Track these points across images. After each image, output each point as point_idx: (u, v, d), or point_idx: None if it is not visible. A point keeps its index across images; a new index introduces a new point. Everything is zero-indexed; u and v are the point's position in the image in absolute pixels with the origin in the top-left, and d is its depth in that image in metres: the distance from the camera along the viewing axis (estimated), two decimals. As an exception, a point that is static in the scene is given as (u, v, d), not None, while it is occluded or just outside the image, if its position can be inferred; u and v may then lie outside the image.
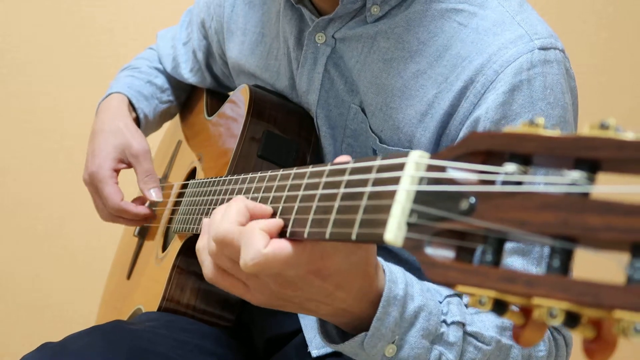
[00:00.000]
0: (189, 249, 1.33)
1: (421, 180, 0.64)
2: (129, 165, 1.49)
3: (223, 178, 1.19)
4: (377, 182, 0.71)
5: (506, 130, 0.58)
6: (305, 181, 0.87)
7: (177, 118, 1.78)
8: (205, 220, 0.94)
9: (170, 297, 1.30)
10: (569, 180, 0.52)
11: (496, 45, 1.11)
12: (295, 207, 0.87)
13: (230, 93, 1.58)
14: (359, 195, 0.72)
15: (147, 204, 1.55)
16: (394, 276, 0.93)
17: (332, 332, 0.97)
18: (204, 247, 0.91)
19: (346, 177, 0.77)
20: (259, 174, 1.05)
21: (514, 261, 1.08)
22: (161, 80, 1.68)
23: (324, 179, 0.82)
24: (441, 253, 0.60)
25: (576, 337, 0.59)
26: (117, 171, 1.47)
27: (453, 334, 0.99)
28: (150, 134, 1.72)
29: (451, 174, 0.61)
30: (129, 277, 1.66)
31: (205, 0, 1.56)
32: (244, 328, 1.37)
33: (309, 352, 1.16)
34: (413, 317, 0.94)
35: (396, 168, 0.67)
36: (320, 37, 1.24)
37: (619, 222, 0.47)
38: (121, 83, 1.63)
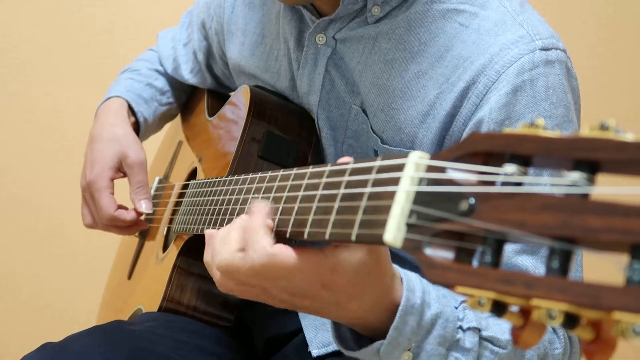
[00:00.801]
0: (189, 249, 1.33)
1: (421, 181, 0.64)
2: (125, 175, 1.49)
3: (224, 179, 1.19)
4: (376, 183, 0.71)
5: (506, 131, 0.58)
6: (305, 182, 0.87)
7: (178, 118, 1.78)
8: (207, 232, 0.95)
9: (171, 297, 1.30)
10: (568, 181, 0.52)
11: (497, 46, 1.11)
12: (296, 208, 0.87)
13: (231, 94, 1.58)
14: (359, 196, 0.72)
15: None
16: (412, 285, 0.91)
17: (347, 336, 0.96)
18: (211, 262, 0.91)
19: (346, 178, 0.77)
20: (259, 175, 1.05)
21: (524, 260, 1.07)
22: (161, 83, 1.67)
23: (324, 180, 0.82)
24: (440, 254, 0.60)
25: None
26: (113, 180, 1.47)
27: (469, 340, 0.97)
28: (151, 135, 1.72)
29: (451, 174, 0.62)
30: (129, 277, 1.66)
31: (205, 1, 1.55)
32: (244, 328, 1.37)
33: (309, 352, 1.16)
34: (430, 325, 0.93)
35: (396, 169, 0.67)
36: (321, 38, 1.24)
37: (619, 224, 0.47)
38: (121, 86, 1.62)
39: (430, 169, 0.64)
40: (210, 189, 1.24)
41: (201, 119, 1.61)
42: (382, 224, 0.65)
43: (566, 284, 0.48)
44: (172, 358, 1.17)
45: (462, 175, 0.61)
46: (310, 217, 0.82)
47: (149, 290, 1.45)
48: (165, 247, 1.49)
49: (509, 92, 1.09)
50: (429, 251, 0.60)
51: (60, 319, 2.60)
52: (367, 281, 0.85)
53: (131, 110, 1.59)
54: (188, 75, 1.64)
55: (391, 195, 0.65)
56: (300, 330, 1.27)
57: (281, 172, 0.97)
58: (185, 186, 1.49)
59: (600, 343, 0.49)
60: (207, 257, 0.93)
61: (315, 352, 1.14)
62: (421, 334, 0.92)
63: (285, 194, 0.92)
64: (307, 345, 1.15)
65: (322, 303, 0.85)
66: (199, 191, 1.31)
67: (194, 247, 1.32)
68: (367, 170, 0.73)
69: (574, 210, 0.50)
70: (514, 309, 0.54)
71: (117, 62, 1.94)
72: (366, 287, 0.85)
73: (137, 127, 1.60)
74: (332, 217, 0.77)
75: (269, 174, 1.01)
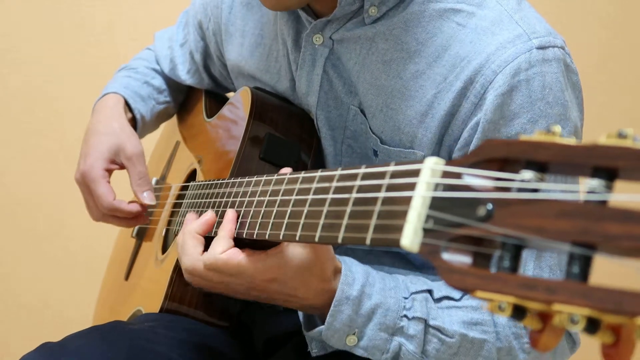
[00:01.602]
0: (190, 250, 1.33)
1: (437, 187, 0.65)
2: (122, 167, 1.47)
3: (227, 181, 1.19)
4: (391, 188, 0.71)
5: (522, 138, 0.58)
6: (314, 185, 0.88)
7: (174, 118, 1.77)
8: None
9: (172, 298, 1.30)
10: (586, 188, 0.53)
11: (494, 45, 1.12)
12: (305, 211, 0.87)
13: (231, 95, 1.58)
14: (373, 201, 0.73)
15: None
16: (350, 279, 1.07)
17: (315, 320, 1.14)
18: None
19: (358, 182, 0.78)
20: (264, 177, 1.05)
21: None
22: (158, 81, 1.67)
23: (334, 184, 0.83)
24: (458, 259, 0.61)
25: (583, 339, 0.60)
26: (109, 171, 1.45)
27: (413, 328, 1.09)
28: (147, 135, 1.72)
29: (467, 180, 0.62)
30: (126, 278, 1.65)
31: (202, 1, 1.54)
32: (244, 328, 1.37)
33: (309, 352, 1.16)
34: (370, 313, 1.07)
35: (411, 174, 0.68)
36: (318, 39, 1.24)
37: (639, 231, 0.48)
38: (118, 83, 1.61)
39: (446, 174, 0.65)
40: (213, 190, 1.24)
41: (199, 119, 1.60)
42: (399, 229, 0.65)
43: (588, 290, 0.49)
44: (171, 357, 1.17)
45: (479, 181, 0.61)
46: (321, 221, 0.82)
47: (149, 291, 1.44)
48: (164, 249, 1.49)
49: (504, 92, 1.09)
50: (446, 256, 0.61)
51: (60, 319, 2.60)
52: (309, 274, 1.04)
53: (128, 106, 1.59)
54: (185, 75, 1.63)
55: (407, 200, 0.66)
56: (300, 330, 1.27)
57: (288, 175, 0.97)
58: (184, 187, 1.49)
59: (620, 346, 0.50)
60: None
61: (314, 352, 1.15)
62: (360, 321, 1.07)
63: (293, 197, 0.92)
64: (306, 345, 1.15)
65: (272, 294, 1.06)
66: (201, 193, 1.31)
67: None
68: (380, 175, 0.74)
69: (593, 217, 0.51)
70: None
71: (117, 62, 1.93)
72: (309, 279, 1.04)
73: (134, 124, 1.59)
74: (345, 221, 0.77)
75: (275, 176, 1.01)
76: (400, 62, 1.18)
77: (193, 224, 1.12)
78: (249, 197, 1.06)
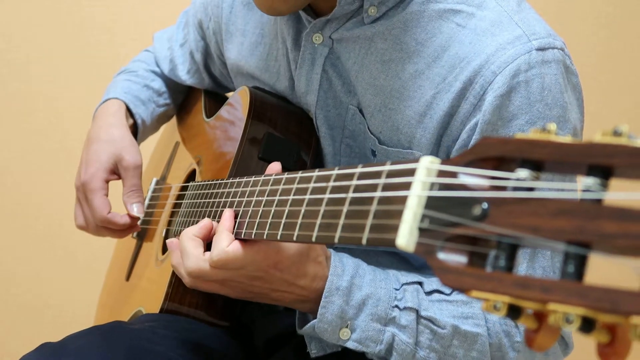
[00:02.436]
0: (191, 250, 1.33)
1: (432, 186, 0.64)
2: (119, 177, 1.48)
3: (225, 181, 1.19)
4: (386, 187, 0.71)
5: (518, 136, 0.58)
6: (311, 185, 0.88)
7: (174, 119, 1.77)
8: (168, 241, 1.18)
9: (172, 298, 1.29)
10: (582, 186, 0.52)
11: (494, 46, 1.11)
12: (302, 211, 0.87)
13: (229, 94, 1.58)
14: (369, 200, 0.73)
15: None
16: (340, 269, 1.08)
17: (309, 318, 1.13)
18: (178, 264, 1.12)
19: (354, 182, 0.78)
20: (262, 177, 1.05)
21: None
22: (158, 84, 1.67)
23: (331, 184, 0.83)
24: (454, 258, 0.60)
25: (579, 339, 0.60)
26: (108, 182, 1.47)
27: (405, 318, 1.10)
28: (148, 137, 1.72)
29: (463, 179, 0.62)
30: (127, 278, 1.65)
31: (202, 1, 1.55)
32: (244, 328, 1.37)
33: (308, 353, 1.16)
34: (361, 303, 1.08)
35: (407, 173, 0.68)
36: (318, 38, 1.24)
37: (635, 229, 0.48)
38: (118, 88, 1.61)
39: (442, 173, 0.64)
40: (212, 191, 1.24)
41: (199, 120, 1.60)
42: (394, 229, 0.65)
43: (583, 289, 0.49)
44: (171, 357, 1.17)
45: (474, 180, 0.61)
46: (318, 221, 0.82)
47: (149, 291, 1.44)
48: (164, 249, 1.49)
49: (503, 94, 1.09)
50: (442, 255, 0.60)
51: (60, 319, 2.60)
52: (307, 260, 1.05)
53: (129, 111, 1.59)
54: (185, 76, 1.63)
55: (403, 199, 0.66)
56: (299, 330, 1.27)
57: (286, 175, 0.97)
58: (184, 187, 1.49)
59: (615, 346, 0.50)
60: (175, 260, 1.13)
61: (313, 353, 1.15)
62: (351, 312, 1.08)
63: (291, 197, 0.92)
64: (306, 346, 1.15)
65: (274, 282, 1.05)
66: (200, 193, 1.31)
67: None
68: (376, 175, 0.74)
69: (588, 215, 0.51)
70: (528, 312, 0.54)
71: (117, 62, 1.93)
72: (307, 264, 1.06)
73: (135, 129, 1.60)
74: (341, 221, 0.77)
75: (273, 176, 1.01)
76: (399, 62, 1.18)
77: (190, 228, 1.11)
78: (247, 197, 1.06)
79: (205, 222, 1.12)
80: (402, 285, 1.12)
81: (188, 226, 1.28)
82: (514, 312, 0.53)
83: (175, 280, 1.28)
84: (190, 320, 1.28)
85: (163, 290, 1.30)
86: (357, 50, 1.22)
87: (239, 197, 1.09)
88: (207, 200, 1.24)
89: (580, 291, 0.49)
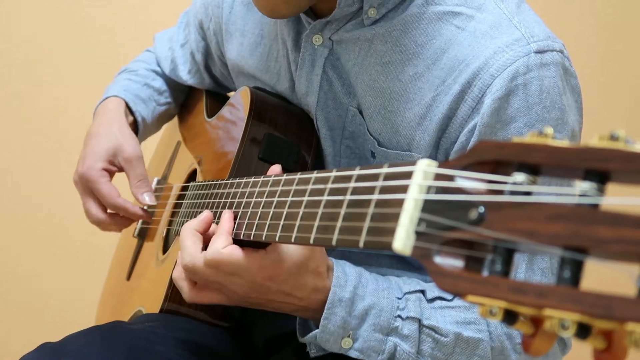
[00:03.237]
0: (191, 250, 1.33)
1: (429, 189, 0.64)
2: (120, 169, 1.48)
3: (225, 181, 1.19)
4: (384, 190, 0.71)
5: (515, 140, 0.58)
6: (310, 187, 0.87)
7: (175, 119, 1.77)
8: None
9: (173, 298, 1.29)
10: (578, 191, 0.52)
11: (493, 49, 1.11)
12: (300, 213, 0.87)
13: (231, 94, 1.58)
14: (366, 203, 0.73)
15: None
16: (343, 280, 1.08)
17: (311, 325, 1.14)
18: (179, 277, 1.11)
19: (352, 184, 0.77)
20: (262, 178, 1.05)
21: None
22: (159, 83, 1.67)
23: (329, 185, 0.83)
24: (450, 262, 0.60)
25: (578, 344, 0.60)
26: (108, 171, 1.46)
27: (407, 328, 1.10)
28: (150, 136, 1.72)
29: (460, 183, 0.62)
30: (128, 278, 1.65)
31: (203, 1, 1.54)
32: (244, 328, 1.36)
33: (308, 353, 1.16)
34: (363, 314, 1.08)
35: (404, 176, 0.68)
36: (317, 39, 1.24)
37: (630, 235, 0.48)
38: (118, 86, 1.62)
39: (439, 177, 0.64)
40: (212, 191, 1.24)
41: (200, 119, 1.60)
42: (391, 232, 0.65)
43: (578, 295, 0.49)
44: (171, 357, 1.17)
45: (471, 183, 0.61)
46: (316, 223, 0.82)
47: (150, 291, 1.44)
48: (165, 249, 1.49)
49: (502, 96, 1.09)
50: (438, 259, 0.60)
51: (60, 319, 2.60)
52: (305, 271, 1.04)
53: (129, 109, 1.59)
54: (186, 76, 1.63)
55: (400, 203, 0.66)
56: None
57: (284, 177, 0.97)
58: (184, 187, 1.49)
59: (611, 352, 0.50)
60: (176, 273, 1.13)
61: (313, 353, 1.15)
62: (354, 322, 1.08)
63: (289, 199, 0.92)
64: (306, 346, 1.15)
65: (270, 294, 1.05)
66: (201, 193, 1.31)
67: None
68: (374, 177, 0.74)
69: (584, 220, 0.51)
70: (524, 317, 0.54)
71: (117, 62, 1.93)
72: (305, 276, 1.04)
73: (135, 127, 1.60)
74: (339, 224, 0.77)
75: (272, 177, 1.01)
76: (399, 65, 1.18)
77: (191, 222, 1.11)
78: (246, 197, 1.06)
79: (206, 215, 1.11)
80: (405, 294, 1.12)
81: None
82: (509, 317, 0.53)
83: (175, 281, 1.28)
84: (190, 321, 1.28)
85: (163, 291, 1.30)
86: (356, 51, 1.22)
87: (238, 198, 1.09)
88: (208, 200, 1.24)
89: (575, 297, 0.49)
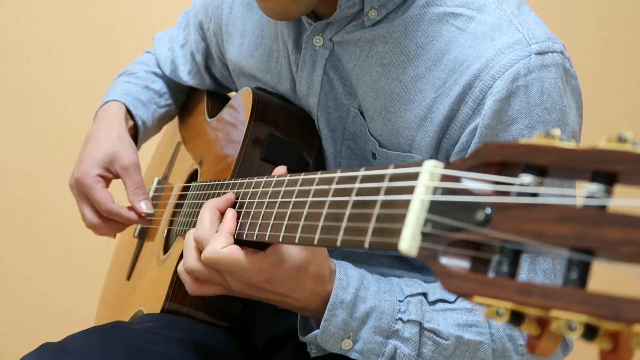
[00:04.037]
0: (191, 251, 1.33)
1: (435, 190, 0.64)
2: (116, 177, 1.48)
3: (227, 181, 1.19)
4: (389, 191, 0.71)
5: (521, 141, 0.58)
6: (314, 187, 0.87)
7: (176, 119, 1.77)
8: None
9: (173, 298, 1.29)
10: (586, 192, 0.52)
11: (493, 50, 1.11)
12: (304, 213, 0.87)
13: (232, 95, 1.58)
14: (372, 204, 0.73)
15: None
16: (345, 282, 1.08)
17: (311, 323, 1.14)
18: (183, 270, 1.11)
19: (357, 185, 0.77)
20: (265, 179, 1.05)
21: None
22: (159, 85, 1.67)
23: (333, 186, 0.83)
24: (456, 263, 0.60)
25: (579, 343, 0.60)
26: (103, 178, 1.46)
27: (408, 330, 1.10)
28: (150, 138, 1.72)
29: (466, 184, 0.62)
30: (128, 278, 1.65)
31: (203, 2, 1.54)
32: (244, 328, 1.36)
33: (308, 353, 1.16)
34: (365, 316, 1.08)
35: (410, 177, 0.68)
36: (318, 40, 1.24)
37: (638, 236, 0.48)
38: (118, 90, 1.62)
39: (445, 178, 0.64)
40: (213, 191, 1.24)
41: (201, 120, 1.60)
42: (397, 233, 0.65)
43: (586, 296, 0.49)
44: (172, 357, 1.17)
45: (478, 184, 0.61)
46: (320, 223, 0.82)
47: (150, 291, 1.44)
48: (166, 249, 1.49)
49: (503, 98, 1.09)
50: (444, 260, 0.60)
51: (60, 319, 2.60)
52: (305, 274, 1.04)
53: (129, 113, 1.59)
54: (186, 76, 1.63)
55: (406, 203, 0.66)
56: (300, 330, 1.27)
57: (288, 177, 0.97)
58: (186, 188, 1.49)
59: (618, 353, 0.50)
60: (180, 267, 1.13)
61: (313, 353, 1.15)
62: (354, 324, 1.08)
63: (293, 199, 0.92)
64: (306, 346, 1.16)
65: (267, 294, 1.05)
66: (202, 194, 1.31)
67: None
68: (379, 178, 0.74)
69: (592, 222, 0.51)
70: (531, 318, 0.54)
71: (117, 62, 1.94)
72: (304, 280, 1.04)
73: (135, 131, 1.60)
74: (344, 224, 0.77)
75: (275, 178, 1.01)
76: (400, 66, 1.18)
77: (214, 200, 1.12)
78: (249, 198, 1.06)
79: (229, 195, 1.12)
80: (406, 297, 1.13)
81: (190, 226, 1.29)
82: (516, 318, 0.53)
83: (176, 281, 1.28)
84: (190, 321, 1.28)
85: (164, 290, 1.30)
86: (357, 53, 1.22)
87: (240, 198, 1.09)
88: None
89: (582, 298, 0.49)
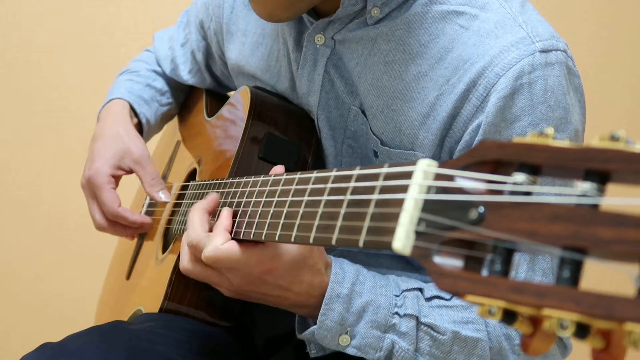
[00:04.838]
0: (190, 250, 1.33)
1: (429, 189, 0.64)
2: (129, 172, 1.48)
3: (225, 181, 1.19)
4: (384, 190, 0.71)
5: (515, 140, 0.58)
6: (310, 186, 0.88)
7: (175, 118, 1.78)
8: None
9: (172, 298, 1.29)
10: (579, 191, 0.52)
11: (497, 48, 1.11)
12: (300, 212, 0.87)
13: (230, 94, 1.58)
14: (366, 203, 0.73)
15: (142, 211, 1.56)
16: (340, 277, 1.08)
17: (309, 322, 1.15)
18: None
19: (352, 184, 0.77)
20: (262, 178, 1.05)
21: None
22: (160, 83, 1.67)
23: (329, 185, 0.83)
24: (450, 262, 0.60)
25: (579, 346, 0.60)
26: (115, 177, 1.47)
27: (405, 325, 1.10)
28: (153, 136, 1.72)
29: (460, 183, 0.62)
30: (128, 277, 1.65)
31: (204, 1, 1.55)
32: (244, 328, 1.36)
33: (308, 353, 1.16)
34: (361, 310, 1.08)
35: (404, 176, 0.67)
36: (320, 39, 1.24)
37: (630, 235, 0.48)
38: (121, 88, 1.62)
39: (439, 177, 0.64)
40: (211, 190, 1.24)
41: (200, 119, 1.60)
42: (391, 232, 0.65)
43: (578, 294, 0.49)
44: (171, 357, 1.17)
45: (471, 183, 0.61)
46: (316, 222, 0.82)
47: (149, 291, 1.44)
48: (164, 248, 1.49)
49: (507, 95, 1.09)
50: (438, 259, 0.60)
51: (60, 319, 2.60)
52: (303, 267, 1.05)
53: (133, 111, 1.60)
54: (187, 75, 1.63)
55: (400, 202, 0.66)
56: (299, 331, 1.27)
57: (285, 176, 0.97)
58: (184, 187, 1.49)
59: (610, 351, 0.50)
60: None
61: (313, 353, 1.15)
62: (351, 319, 1.08)
63: (289, 198, 0.92)
64: (306, 346, 1.16)
65: (267, 288, 1.05)
66: (200, 192, 1.31)
67: None
68: (374, 177, 0.74)
69: (584, 220, 0.51)
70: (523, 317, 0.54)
71: (117, 62, 1.94)
72: (303, 272, 1.05)
73: (139, 129, 1.61)
74: (339, 223, 0.77)
75: (272, 177, 1.01)
76: (402, 64, 1.18)
77: (201, 202, 1.13)
78: (246, 197, 1.06)
79: (213, 195, 1.13)
80: (403, 291, 1.13)
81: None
82: (508, 317, 0.53)
83: (175, 280, 1.28)
84: (189, 320, 1.28)
85: (163, 290, 1.30)
86: (359, 51, 1.22)
87: (238, 197, 1.09)
88: None
89: (574, 297, 0.49)
